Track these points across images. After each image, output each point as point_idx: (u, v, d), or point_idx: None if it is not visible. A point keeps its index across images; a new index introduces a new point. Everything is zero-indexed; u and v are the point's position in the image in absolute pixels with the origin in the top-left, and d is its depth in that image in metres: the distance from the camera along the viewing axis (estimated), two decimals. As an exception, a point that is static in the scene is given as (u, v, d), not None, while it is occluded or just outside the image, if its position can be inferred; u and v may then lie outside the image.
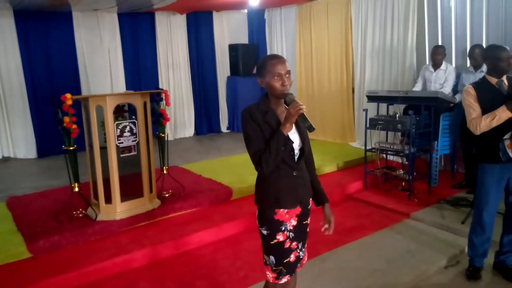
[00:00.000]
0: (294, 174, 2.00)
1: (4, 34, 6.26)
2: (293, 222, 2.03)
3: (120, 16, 7.14)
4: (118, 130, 3.67)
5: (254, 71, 7.05)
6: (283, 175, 1.98)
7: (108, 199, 3.74)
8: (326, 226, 2.14)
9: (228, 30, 8.38)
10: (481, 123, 2.73)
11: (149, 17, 7.46)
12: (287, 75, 1.90)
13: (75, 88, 6.72)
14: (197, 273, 3.20)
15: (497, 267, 3.10)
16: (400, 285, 2.98)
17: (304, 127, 1.98)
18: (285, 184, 1.98)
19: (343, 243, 3.60)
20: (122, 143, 3.71)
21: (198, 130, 8.27)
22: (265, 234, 2.03)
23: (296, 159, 2.00)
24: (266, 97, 1.99)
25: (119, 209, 3.75)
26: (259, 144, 1.89)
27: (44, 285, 2.92)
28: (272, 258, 2.04)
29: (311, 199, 2.15)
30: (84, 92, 6.82)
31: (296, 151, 1.99)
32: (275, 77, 1.88)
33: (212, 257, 3.45)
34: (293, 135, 1.96)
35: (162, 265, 3.34)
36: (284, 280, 2.06)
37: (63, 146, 3.64)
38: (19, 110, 6.51)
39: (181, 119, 8.00)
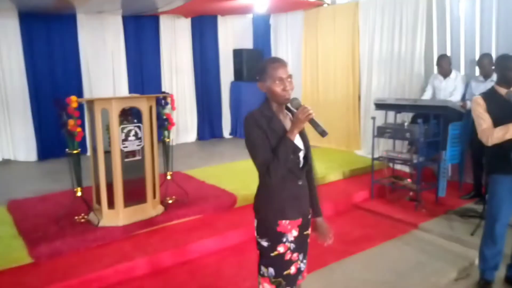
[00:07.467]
0: (299, 183, 1.92)
1: (8, 35, 6.22)
2: (295, 233, 1.94)
3: (125, 18, 7.09)
4: (123, 134, 3.60)
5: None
6: (288, 185, 1.88)
7: (111, 205, 3.66)
8: (326, 242, 2.07)
9: (233, 34, 8.33)
10: (493, 135, 2.71)
11: (153, 20, 7.42)
12: (289, 80, 1.82)
13: (77, 90, 6.63)
14: (201, 283, 3.12)
15: (508, 280, 3.03)
16: (410, 298, 2.92)
17: (305, 133, 1.90)
18: (290, 194, 1.89)
19: (350, 253, 3.53)
20: (126, 147, 3.64)
21: (200, 135, 8.18)
22: (265, 246, 1.93)
23: (301, 167, 1.92)
24: (267, 102, 1.89)
25: (122, 215, 3.67)
26: (266, 152, 1.80)
27: (45, 293, 2.85)
28: (271, 269, 1.94)
29: (310, 208, 2.06)
30: (86, 94, 6.74)
31: (301, 159, 1.91)
32: (276, 82, 1.80)
33: (217, 266, 3.37)
34: (298, 142, 1.86)
35: (165, 274, 3.25)
36: None
37: (67, 150, 3.56)
38: (20, 112, 6.45)
39: (183, 124, 7.91)
